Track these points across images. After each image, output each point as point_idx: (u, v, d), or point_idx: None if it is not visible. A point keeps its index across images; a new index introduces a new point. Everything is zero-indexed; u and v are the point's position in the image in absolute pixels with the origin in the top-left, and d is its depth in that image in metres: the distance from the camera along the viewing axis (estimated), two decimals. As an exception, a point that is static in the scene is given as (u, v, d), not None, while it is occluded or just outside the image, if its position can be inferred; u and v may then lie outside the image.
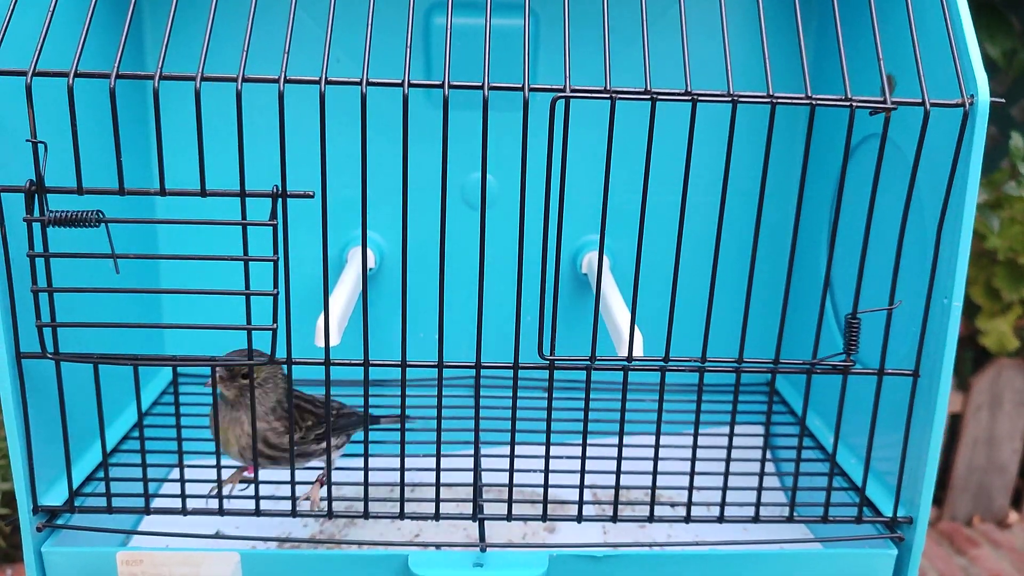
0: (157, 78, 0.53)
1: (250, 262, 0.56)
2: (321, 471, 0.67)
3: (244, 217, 0.55)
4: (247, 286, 0.57)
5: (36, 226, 0.55)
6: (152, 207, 0.80)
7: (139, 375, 0.59)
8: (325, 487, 0.62)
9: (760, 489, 0.63)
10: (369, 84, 0.54)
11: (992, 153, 1.57)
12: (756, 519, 0.63)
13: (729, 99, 0.55)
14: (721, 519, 0.63)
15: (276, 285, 0.56)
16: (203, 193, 0.55)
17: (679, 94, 0.55)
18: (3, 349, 0.57)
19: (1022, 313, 1.57)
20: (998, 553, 1.71)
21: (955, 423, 1.74)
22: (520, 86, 0.54)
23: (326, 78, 0.53)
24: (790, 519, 0.64)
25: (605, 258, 0.85)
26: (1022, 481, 1.82)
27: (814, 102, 0.55)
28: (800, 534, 0.71)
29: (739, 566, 0.62)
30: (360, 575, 0.61)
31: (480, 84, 0.54)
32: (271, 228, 0.55)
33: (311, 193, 0.55)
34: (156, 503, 0.62)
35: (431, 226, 0.74)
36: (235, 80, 0.53)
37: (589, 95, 0.54)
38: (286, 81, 0.53)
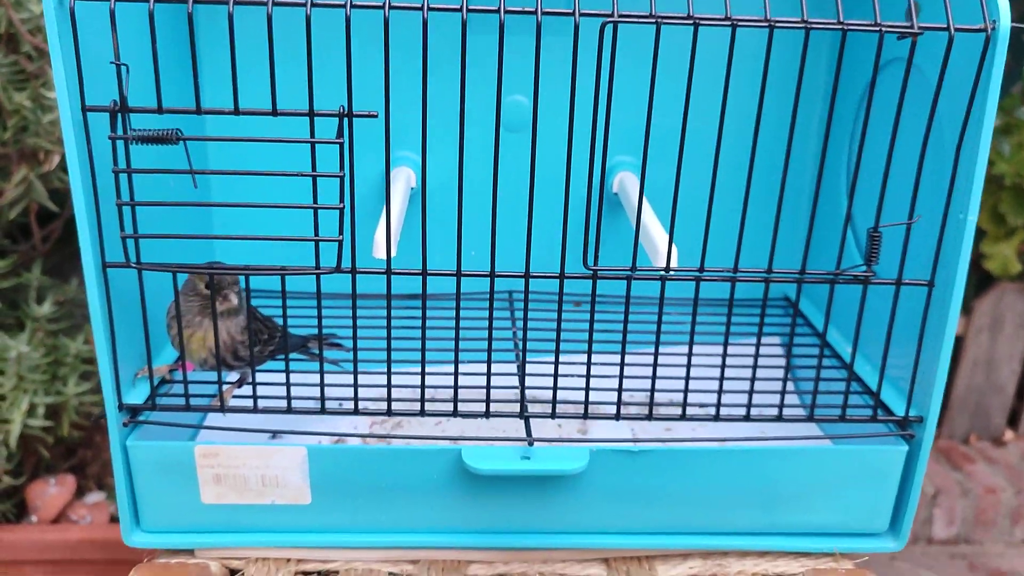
0: (232, 2, 0.56)
1: (315, 178, 0.60)
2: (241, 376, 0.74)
3: (312, 135, 0.60)
4: (315, 200, 0.61)
5: (120, 144, 0.59)
6: (203, 131, 0.84)
7: (213, 281, 0.63)
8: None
9: (784, 392, 0.68)
10: (430, 9, 0.57)
11: (1004, 79, 1.59)
12: (779, 418, 0.69)
13: (767, 24, 0.58)
14: (747, 417, 0.69)
15: (342, 199, 0.61)
16: (274, 112, 0.59)
17: (720, 19, 0.58)
18: (91, 259, 0.61)
19: (1026, 238, 1.61)
20: (993, 469, 1.78)
21: (956, 345, 1.78)
22: (571, 11, 0.58)
23: (390, 4, 0.57)
24: (810, 418, 0.69)
25: (635, 178, 0.89)
26: (1019, 401, 1.88)
27: (845, 27, 0.59)
28: (819, 435, 0.77)
29: (763, 461, 0.68)
30: (417, 468, 0.67)
31: (533, 9, 0.58)
32: (336, 146, 0.59)
33: (375, 113, 0.59)
34: (223, 401, 0.68)
35: (472, 148, 0.78)
36: (304, 5, 0.56)
37: (635, 20, 0.58)
38: (352, 6, 0.57)
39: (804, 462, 0.68)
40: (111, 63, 0.57)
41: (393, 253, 0.66)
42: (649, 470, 0.67)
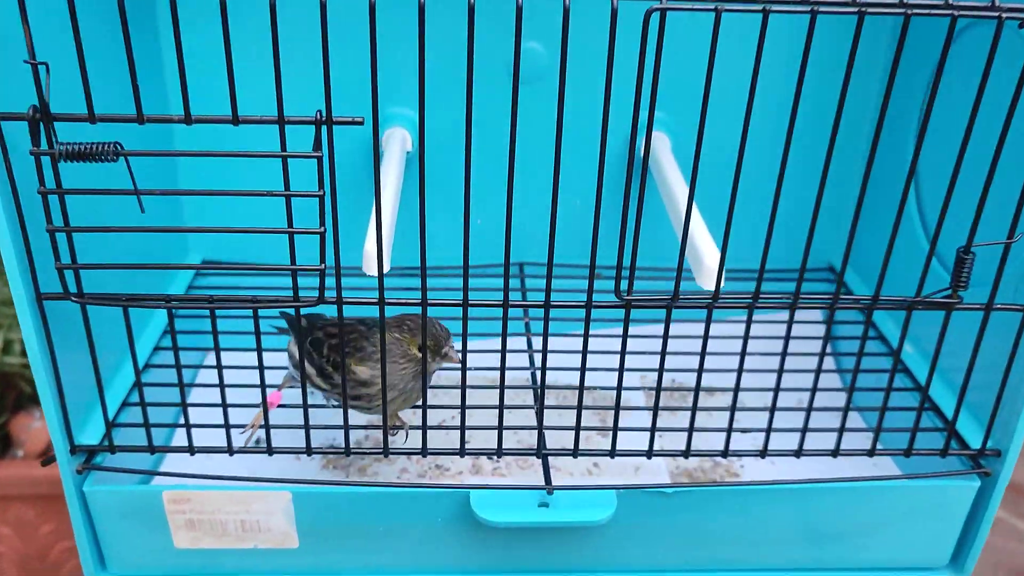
0: (174, -16, 0.44)
1: (289, 198, 0.49)
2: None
3: (283, 148, 0.48)
4: (290, 224, 0.50)
5: (46, 159, 0.48)
6: (170, 138, 0.72)
7: (173, 317, 0.53)
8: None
9: (844, 418, 0.59)
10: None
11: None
12: (836, 453, 0.60)
13: (856, 10, 0.46)
14: (799, 454, 0.60)
15: (323, 223, 0.50)
16: (235, 121, 0.47)
17: (796, 2, 0.46)
18: (22, 292, 0.51)
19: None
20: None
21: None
22: (607, -7, 0.45)
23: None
24: (871, 453, 0.60)
25: (666, 139, 0.77)
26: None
27: (955, 13, 0.46)
28: (880, 466, 0.68)
29: (813, 499, 0.59)
30: (418, 511, 0.58)
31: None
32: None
33: (360, 120, 0.48)
34: (191, 442, 0.58)
35: (477, 99, 0.67)
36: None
37: (690, 8, 0.45)
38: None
39: (859, 499, 0.60)
40: (25, 62, 0.45)
41: (386, 269, 0.55)
42: (685, 510, 0.59)
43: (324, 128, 0.48)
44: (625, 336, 0.54)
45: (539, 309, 0.55)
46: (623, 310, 0.54)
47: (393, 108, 0.75)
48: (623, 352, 0.55)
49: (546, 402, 0.68)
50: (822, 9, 0.46)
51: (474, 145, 0.76)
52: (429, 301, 0.53)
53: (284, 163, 0.49)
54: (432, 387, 0.57)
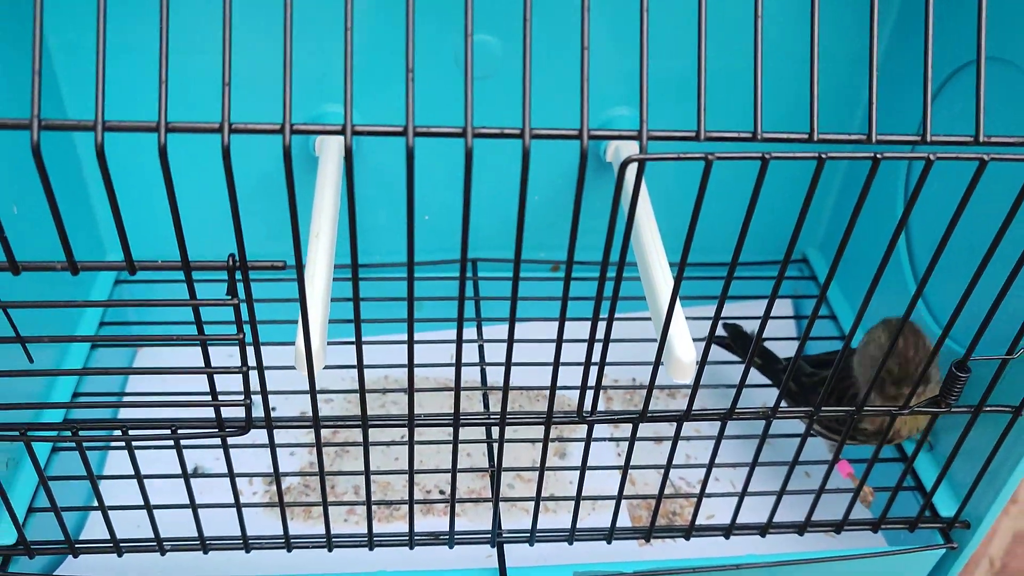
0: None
1: (204, 342, 0.43)
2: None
3: (193, 295, 0.41)
4: (207, 363, 0.44)
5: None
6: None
7: (83, 448, 0.47)
8: None
9: (814, 506, 0.56)
10: None
11: None
12: (804, 529, 0.57)
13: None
14: (764, 532, 0.57)
15: (245, 362, 0.44)
16: (131, 268, 0.40)
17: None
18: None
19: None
20: None
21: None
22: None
23: None
24: (840, 528, 0.58)
25: (635, 149, 0.69)
26: None
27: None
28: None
29: (772, 572, 0.58)
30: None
31: None
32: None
33: (281, 264, 0.40)
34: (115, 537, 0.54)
35: (424, 93, 0.62)
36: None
37: (674, 157, 0.38)
38: None
39: (823, 572, 0.58)
40: None
41: (321, 366, 0.50)
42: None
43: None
44: (586, 454, 0.50)
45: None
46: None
47: (329, 107, 0.66)
48: (583, 467, 0.50)
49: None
50: (830, 154, 0.39)
51: (421, 140, 0.68)
52: (370, 421, 0.48)
53: (195, 312, 0.42)
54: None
